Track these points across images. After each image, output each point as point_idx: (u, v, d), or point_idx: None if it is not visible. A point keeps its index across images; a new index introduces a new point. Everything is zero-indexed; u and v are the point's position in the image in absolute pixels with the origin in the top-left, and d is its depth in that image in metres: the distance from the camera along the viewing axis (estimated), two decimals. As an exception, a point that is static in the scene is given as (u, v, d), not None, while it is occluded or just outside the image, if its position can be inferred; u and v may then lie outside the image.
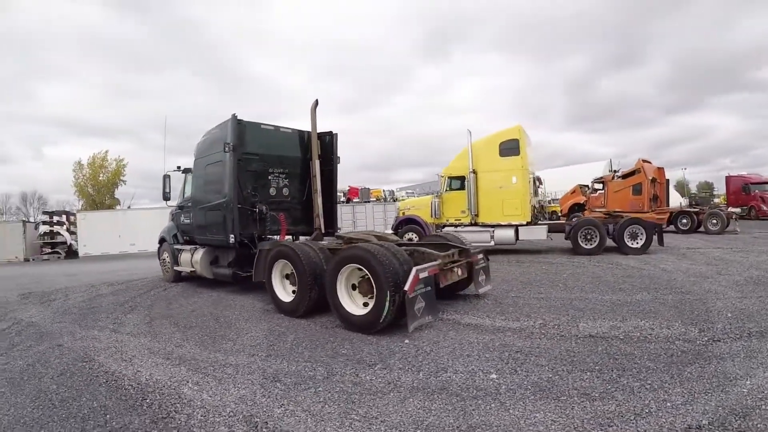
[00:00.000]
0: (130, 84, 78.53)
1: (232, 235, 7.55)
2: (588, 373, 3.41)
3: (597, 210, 17.12)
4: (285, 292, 6.32)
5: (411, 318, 4.60)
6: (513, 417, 2.77)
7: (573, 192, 23.93)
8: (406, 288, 4.59)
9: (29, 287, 10.63)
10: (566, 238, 12.14)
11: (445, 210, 13.54)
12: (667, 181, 18.69)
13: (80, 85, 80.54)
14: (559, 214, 22.22)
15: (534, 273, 8.66)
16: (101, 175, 42.13)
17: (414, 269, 4.75)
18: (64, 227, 25.47)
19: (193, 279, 9.52)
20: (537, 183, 13.54)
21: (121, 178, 43.24)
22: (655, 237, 11.58)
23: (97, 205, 39.49)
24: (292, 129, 8.97)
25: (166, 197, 9.80)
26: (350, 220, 28.16)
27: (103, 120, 71.86)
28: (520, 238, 12.27)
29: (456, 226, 13.18)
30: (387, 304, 4.66)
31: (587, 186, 22.38)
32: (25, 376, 4.11)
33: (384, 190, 36.58)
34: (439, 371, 3.59)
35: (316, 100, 8.80)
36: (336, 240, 7.40)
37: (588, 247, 11.68)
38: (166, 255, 10.18)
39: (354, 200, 30.69)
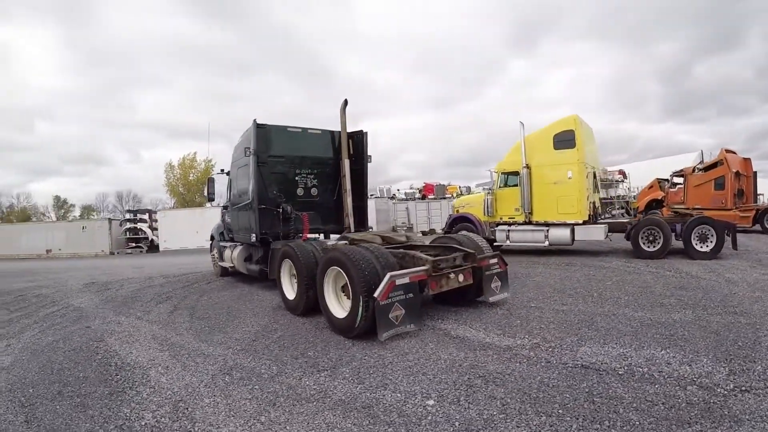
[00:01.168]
0: (222, 88, 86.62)
1: (254, 234, 8.15)
2: (542, 418, 2.80)
3: (674, 207, 14.92)
4: (292, 290, 6.62)
5: (382, 327, 4.44)
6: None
7: (650, 187, 21.26)
8: (376, 294, 4.46)
9: (97, 277, 12.64)
10: (626, 239, 10.73)
11: (498, 207, 12.84)
12: (755, 174, 16.55)
13: (174, 92, 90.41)
14: (637, 211, 19.71)
15: (575, 279, 7.73)
16: (191, 175, 47.73)
17: (388, 275, 4.58)
18: (146, 224, 29.67)
19: (236, 274, 10.43)
20: (597, 177, 12.11)
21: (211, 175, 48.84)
22: (729, 238, 9.90)
23: (187, 203, 44.82)
24: (322, 130, 9.33)
25: (210, 198, 10.95)
26: (425, 216, 28.68)
27: (196, 123, 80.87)
28: (576, 239, 11.10)
29: (510, 224, 12.44)
30: (360, 309, 4.60)
31: (666, 180, 19.87)
32: (46, 349, 5.00)
33: (459, 187, 36.10)
34: (379, 387, 3.41)
35: (345, 101, 9.06)
36: (344, 240, 7.52)
37: (650, 249, 10.13)
38: (214, 251, 11.37)
39: (429, 197, 30.93)
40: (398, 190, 35.74)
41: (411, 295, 4.74)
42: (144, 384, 3.72)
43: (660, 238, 10.00)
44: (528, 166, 11.71)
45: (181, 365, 4.19)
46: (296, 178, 8.96)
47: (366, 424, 2.84)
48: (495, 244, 12.81)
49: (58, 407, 3.38)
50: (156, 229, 29.58)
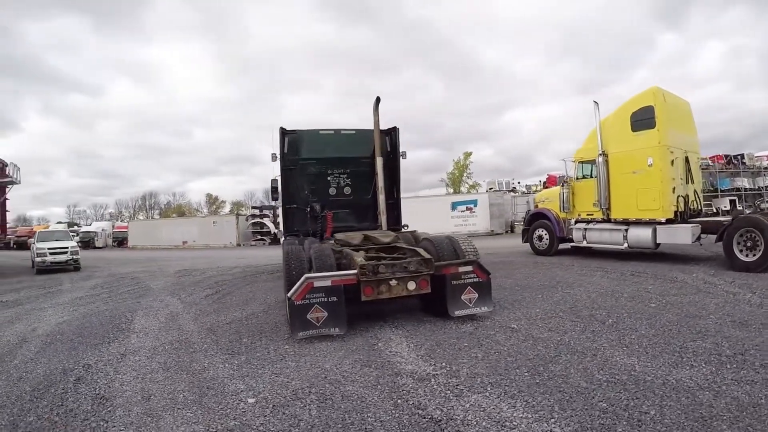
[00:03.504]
0: (364, 87, 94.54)
1: (280, 231, 9.52)
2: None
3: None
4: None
5: (297, 326, 4.88)
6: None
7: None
8: (289, 294, 4.93)
9: (197, 265, 15.67)
10: (716, 242, 8.68)
11: (576, 202, 11.71)
12: None
13: (319, 93, 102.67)
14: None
15: (611, 294, 6.66)
16: None
17: (304, 276, 4.98)
18: (269, 219, 34.73)
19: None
20: (691, 165, 9.75)
21: None
22: None
23: None
24: (357, 130, 10.11)
25: (274, 198, 12.86)
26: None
27: (340, 122, 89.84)
28: (658, 241, 9.32)
29: (588, 221, 11.19)
30: (287, 307, 5.20)
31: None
32: (93, 314, 7.13)
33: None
34: (239, 379, 3.91)
35: (378, 98, 9.61)
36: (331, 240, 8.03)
37: (746, 259, 7.89)
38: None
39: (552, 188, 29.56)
40: (518, 182, 34.27)
41: (334, 298, 4.97)
42: (121, 342, 5.26)
43: (761, 244, 7.72)
44: (604, 153, 10.34)
45: (155, 333, 5.66)
46: (328, 179, 9.97)
47: (194, 408, 3.40)
48: (571, 244, 11.72)
49: (59, 346, 5.16)
50: (278, 223, 34.84)
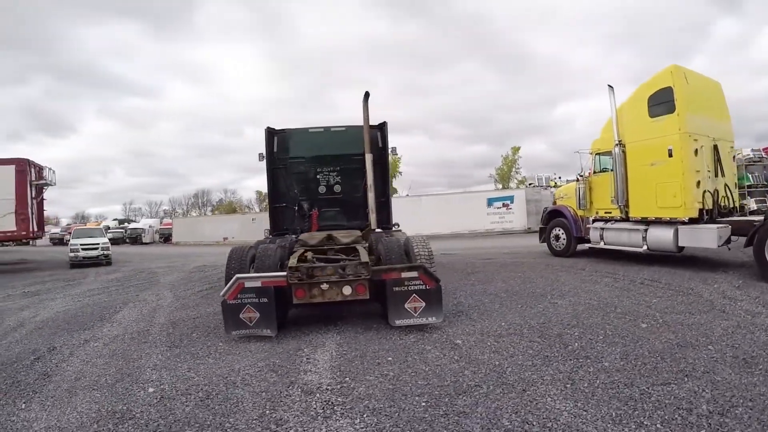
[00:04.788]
0: (419, 82, 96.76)
1: (268, 230, 10.07)
2: None
3: None
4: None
5: (230, 325, 5.26)
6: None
7: None
8: (222, 293, 5.33)
9: (220, 260, 16.57)
10: (746, 246, 7.87)
11: (593, 198, 11.29)
12: None
13: (372, 89, 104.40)
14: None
15: (596, 313, 6.19)
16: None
17: (235, 277, 5.35)
18: None
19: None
20: (721, 154, 8.93)
21: (398, 170, 55.48)
22: None
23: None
24: (347, 126, 10.36)
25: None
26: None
27: (395, 117, 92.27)
28: (680, 243, 8.75)
29: (606, 220, 10.75)
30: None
31: None
32: (91, 304, 8.15)
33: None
34: (158, 369, 4.45)
35: (367, 92, 9.85)
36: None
37: None
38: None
39: None
40: (559, 177, 33.28)
41: (265, 299, 5.20)
42: (94, 330, 6.08)
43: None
44: (621, 144, 9.87)
45: (130, 322, 6.51)
46: (318, 177, 10.33)
47: (102, 393, 4.15)
48: (589, 245, 11.32)
49: (44, 331, 6.06)
50: None
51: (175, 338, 5.63)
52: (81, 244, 17.31)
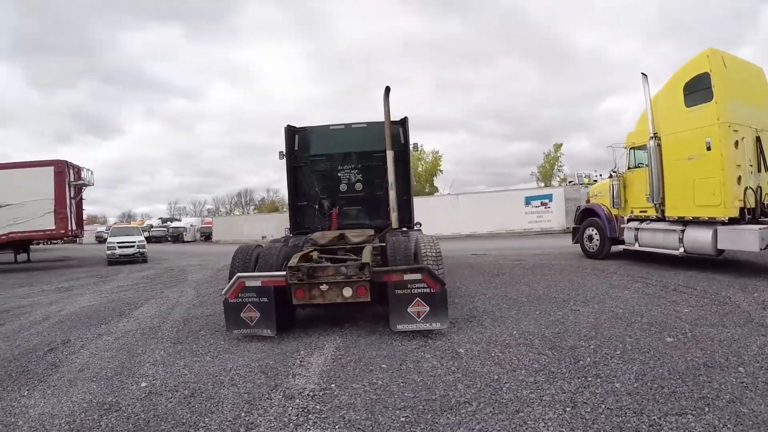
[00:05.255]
0: (459, 78, 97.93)
1: (288, 228, 10.28)
2: None
3: None
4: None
5: (231, 323, 5.40)
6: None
7: None
8: (223, 292, 5.48)
9: None
10: None
11: (628, 196, 10.79)
12: None
13: (412, 87, 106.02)
14: None
15: (619, 323, 5.87)
16: (420, 167, 55.09)
17: (236, 275, 5.49)
18: None
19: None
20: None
21: (439, 168, 55.69)
22: None
23: (416, 193, 52.32)
24: (368, 123, 10.41)
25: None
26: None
27: (436, 115, 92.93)
28: (719, 246, 8.15)
29: (641, 220, 10.24)
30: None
31: None
32: (113, 302, 8.65)
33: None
34: (156, 365, 4.68)
35: (388, 87, 9.88)
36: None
37: None
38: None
39: None
40: (600, 175, 31.95)
41: (265, 299, 5.28)
42: (110, 325, 6.47)
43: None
44: (656, 136, 9.35)
45: (145, 318, 6.84)
46: (339, 174, 10.44)
47: (97, 384, 4.43)
48: (622, 247, 10.81)
49: (65, 324, 6.46)
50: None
51: (182, 335, 5.88)
52: (118, 243, 18.43)
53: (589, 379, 3.84)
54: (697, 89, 8.34)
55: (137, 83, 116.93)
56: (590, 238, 11.77)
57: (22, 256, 19.83)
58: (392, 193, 9.48)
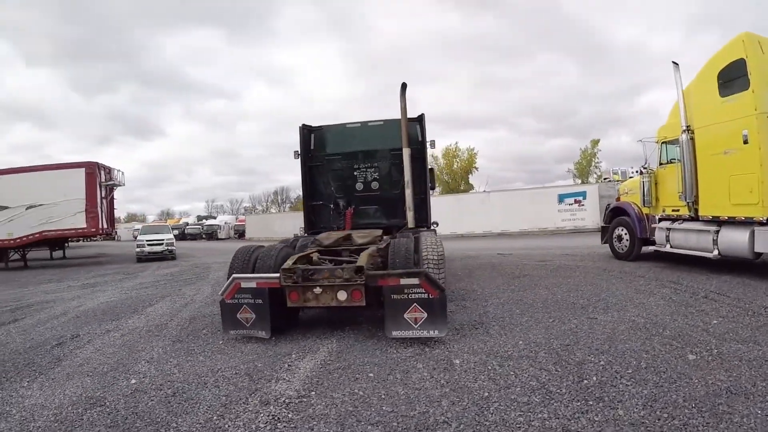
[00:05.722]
0: (496, 75, 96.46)
1: (302, 228, 10.40)
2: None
3: None
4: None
5: (227, 324, 5.51)
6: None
7: None
8: (220, 292, 5.59)
9: None
10: None
11: (659, 194, 10.26)
12: None
13: (450, 85, 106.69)
14: None
15: (639, 335, 5.46)
16: (455, 164, 55.68)
17: (232, 276, 5.59)
18: None
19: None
20: None
21: (474, 165, 55.42)
22: None
23: (451, 190, 52.70)
24: (385, 120, 10.40)
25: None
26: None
27: (474, 112, 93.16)
28: (760, 249, 7.55)
29: (673, 220, 9.73)
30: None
31: None
32: (130, 299, 9.04)
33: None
34: (151, 362, 4.94)
35: (404, 84, 9.84)
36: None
37: None
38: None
39: None
40: (636, 171, 30.77)
41: (260, 301, 5.33)
42: (121, 321, 6.77)
43: None
44: (689, 129, 8.83)
45: (156, 315, 7.13)
46: (355, 173, 10.47)
47: (89, 378, 4.64)
48: (653, 248, 10.29)
49: (80, 320, 6.80)
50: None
51: (184, 334, 6.06)
52: (146, 240, 19.29)
53: (590, 402, 3.45)
54: (732, 78, 7.79)
55: (177, 85, 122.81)
56: (619, 238, 11.28)
57: (58, 253, 21.25)
58: (408, 192, 9.42)
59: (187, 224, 58.10)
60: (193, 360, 4.91)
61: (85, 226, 17.88)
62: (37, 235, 18.20)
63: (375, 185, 10.32)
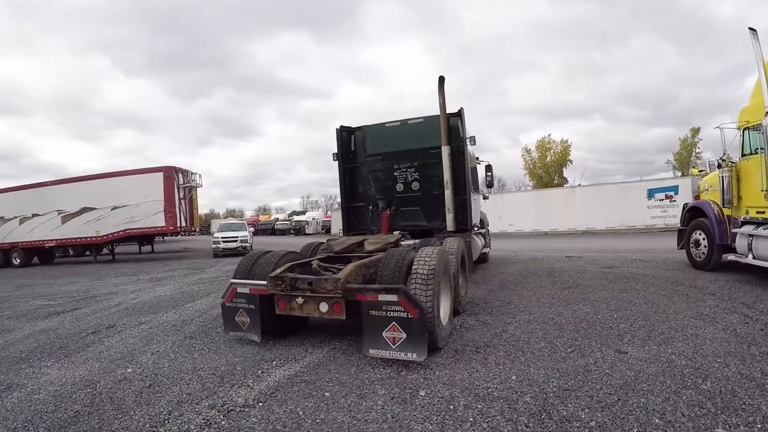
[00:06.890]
0: (593, 62, 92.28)
1: (340, 230, 10.71)
2: None
3: None
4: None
5: (228, 325, 5.91)
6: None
7: None
8: (221, 295, 6.01)
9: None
10: None
11: (742, 191, 8.91)
12: None
13: (545, 73, 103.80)
14: None
15: (673, 386, 4.98)
16: (548, 157, 54.63)
17: (230, 281, 5.98)
18: None
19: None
20: None
21: (569, 158, 53.93)
22: None
23: (545, 184, 51.81)
24: (424, 118, 10.26)
25: None
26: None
27: (570, 101, 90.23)
28: None
29: (758, 224, 8.42)
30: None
31: None
32: (181, 294, 10.14)
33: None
34: (157, 354, 5.64)
35: (442, 77, 9.65)
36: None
37: None
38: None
39: None
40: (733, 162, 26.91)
41: (252, 306, 5.61)
42: (157, 315, 7.67)
43: None
44: (773, 113, 7.60)
45: (190, 310, 7.97)
46: (395, 174, 10.54)
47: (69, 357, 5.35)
48: (731, 257, 9.07)
49: (126, 311, 7.81)
50: None
51: (200, 330, 6.59)
52: (222, 237, 21.23)
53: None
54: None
55: (269, 88, 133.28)
56: (697, 243, 10.00)
57: (147, 248, 24.52)
58: (448, 193, 9.27)
59: (277, 220, 62.05)
60: (189, 357, 5.36)
61: (164, 224, 20.45)
62: (121, 233, 21.17)
63: (416, 186, 10.32)
